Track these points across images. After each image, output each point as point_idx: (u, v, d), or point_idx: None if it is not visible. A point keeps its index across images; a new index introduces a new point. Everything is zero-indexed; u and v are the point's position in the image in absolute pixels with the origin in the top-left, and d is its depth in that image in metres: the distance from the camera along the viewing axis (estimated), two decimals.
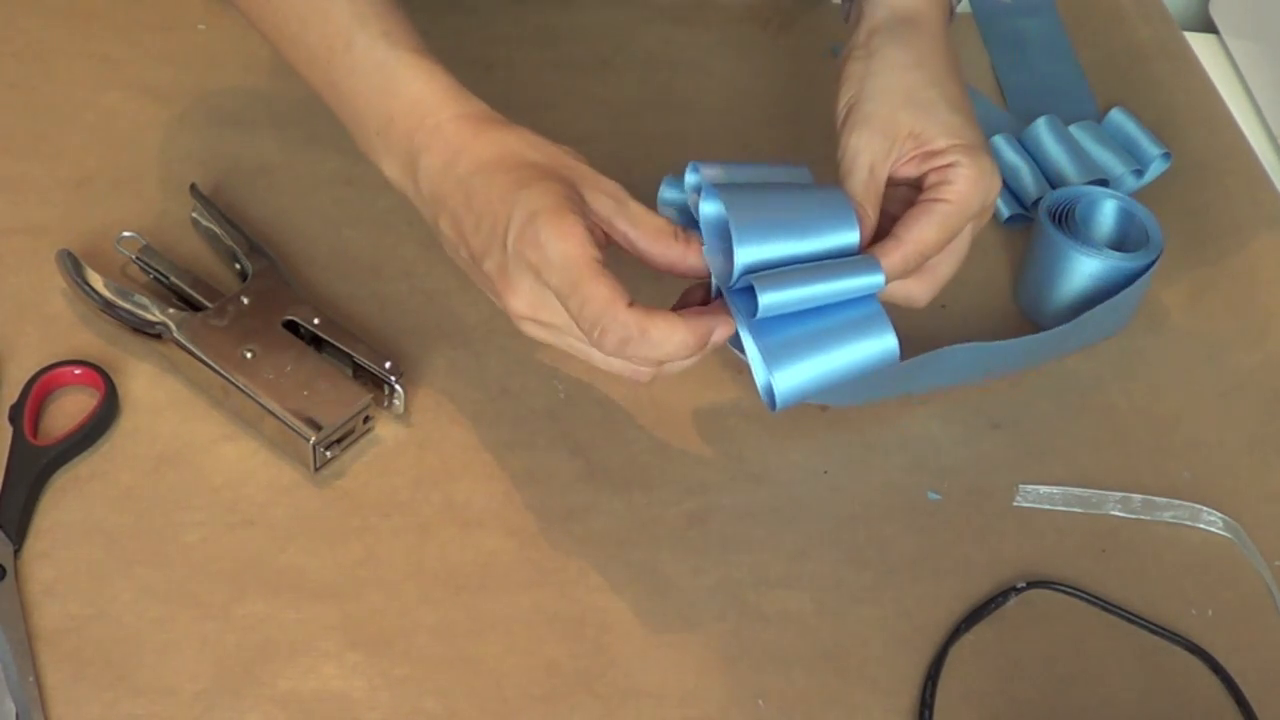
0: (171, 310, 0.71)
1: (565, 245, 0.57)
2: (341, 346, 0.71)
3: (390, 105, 0.63)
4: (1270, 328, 0.82)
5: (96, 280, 0.72)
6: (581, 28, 0.97)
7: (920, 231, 0.64)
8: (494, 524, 0.68)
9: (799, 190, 0.64)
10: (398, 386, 0.70)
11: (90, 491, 0.67)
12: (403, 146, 0.63)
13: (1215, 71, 1.01)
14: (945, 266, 0.67)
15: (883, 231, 0.65)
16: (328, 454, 0.69)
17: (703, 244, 0.61)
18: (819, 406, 0.74)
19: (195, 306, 0.72)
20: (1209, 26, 1.10)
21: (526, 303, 0.60)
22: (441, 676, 0.63)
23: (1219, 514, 0.73)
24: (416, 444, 0.71)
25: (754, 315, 0.59)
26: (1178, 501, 0.73)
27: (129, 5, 0.92)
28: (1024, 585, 0.69)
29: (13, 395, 0.69)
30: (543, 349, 0.75)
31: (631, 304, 0.57)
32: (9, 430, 0.67)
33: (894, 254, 0.63)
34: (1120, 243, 0.80)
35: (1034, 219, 0.82)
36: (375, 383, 0.71)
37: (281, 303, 0.72)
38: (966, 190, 0.64)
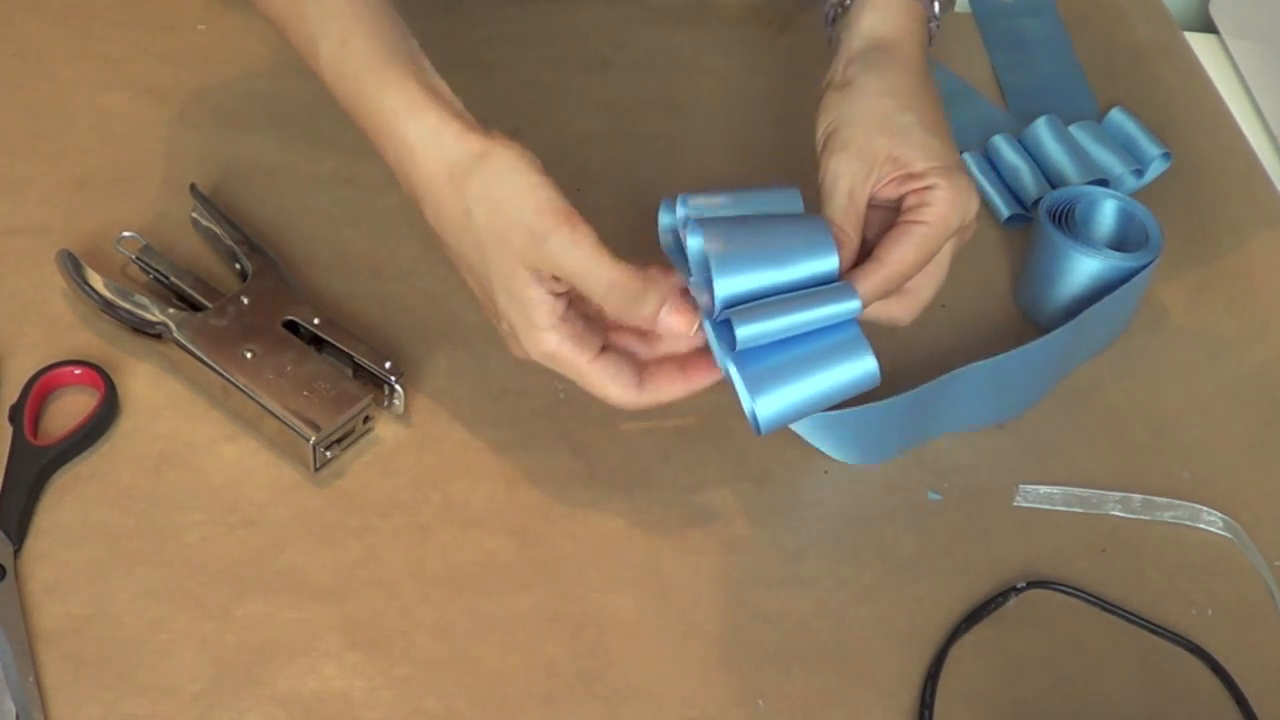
0: (171, 310, 0.71)
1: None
2: (341, 346, 0.71)
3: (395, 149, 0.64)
4: (1270, 327, 0.82)
5: (96, 280, 0.72)
6: (581, 27, 0.97)
7: (900, 253, 0.66)
8: (494, 524, 0.68)
9: (779, 221, 0.65)
10: (398, 386, 0.70)
11: (90, 491, 0.67)
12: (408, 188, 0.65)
13: (1215, 71, 1.01)
14: (926, 289, 0.69)
15: (866, 252, 0.67)
16: (328, 454, 0.69)
17: (685, 275, 0.64)
18: (822, 469, 0.73)
19: (195, 306, 0.72)
20: (1209, 26, 1.10)
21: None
22: (441, 676, 0.63)
23: (1219, 514, 0.73)
24: (416, 444, 0.71)
25: (734, 348, 0.61)
26: (1178, 501, 0.73)
27: (129, 5, 0.92)
28: (1024, 585, 0.69)
29: (13, 395, 0.69)
30: None
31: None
32: (9, 430, 0.67)
33: (875, 275, 0.65)
34: (1120, 243, 0.80)
35: (1034, 219, 0.82)
36: (375, 383, 0.71)
37: (281, 303, 0.72)
38: (944, 211, 0.66)
